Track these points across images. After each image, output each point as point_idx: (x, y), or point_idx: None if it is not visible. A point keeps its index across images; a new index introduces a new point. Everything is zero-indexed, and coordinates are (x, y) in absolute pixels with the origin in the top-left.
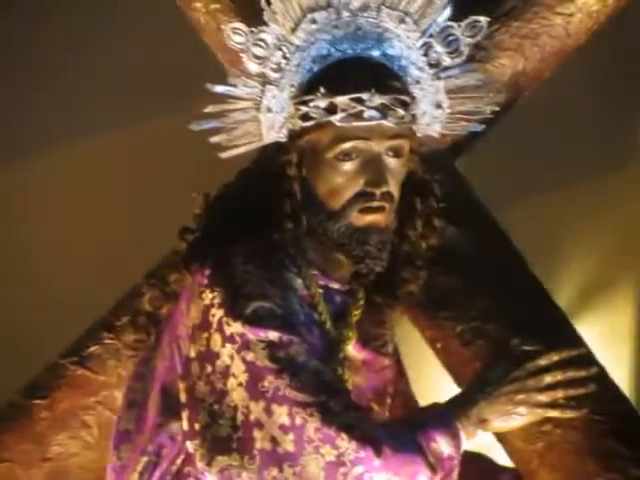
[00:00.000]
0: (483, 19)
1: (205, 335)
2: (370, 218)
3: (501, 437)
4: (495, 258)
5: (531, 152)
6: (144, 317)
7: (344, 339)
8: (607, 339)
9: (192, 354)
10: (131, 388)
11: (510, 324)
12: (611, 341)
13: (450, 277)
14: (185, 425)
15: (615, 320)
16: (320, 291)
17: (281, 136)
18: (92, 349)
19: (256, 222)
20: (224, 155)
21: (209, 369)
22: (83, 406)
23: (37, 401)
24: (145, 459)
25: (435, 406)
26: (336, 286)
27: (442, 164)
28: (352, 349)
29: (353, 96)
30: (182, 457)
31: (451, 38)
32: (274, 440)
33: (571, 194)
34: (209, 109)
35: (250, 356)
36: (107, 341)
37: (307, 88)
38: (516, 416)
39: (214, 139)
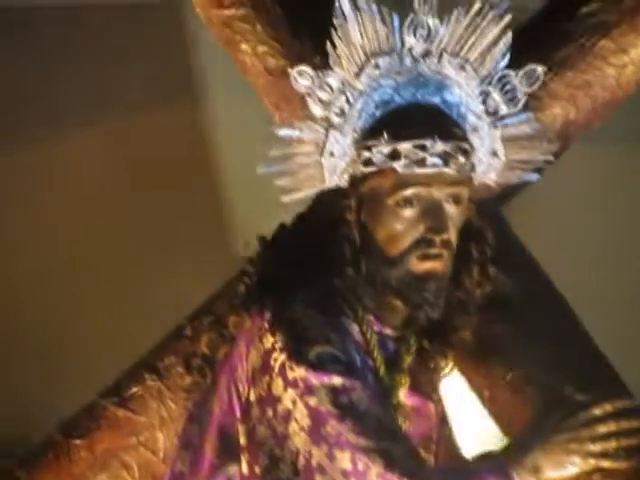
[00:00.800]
0: (540, 68)
1: (266, 379)
2: (429, 265)
3: None
4: (543, 305)
5: None
6: (199, 359)
7: (396, 385)
8: None
9: (252, 398)
10: (186, 430)
11: (560, 372)
12: None
13: (499, 324)
14: (245, 468)
15: None
16: (375, 337)
17: (342, 181)
18: (133, 390)
19: (315, 266)
20: (286, 199)
21: (270, 413)
22: (124, 446)
23: (76, 441)
24: None
25: (490, 454)
26: (389, 332)
27: (490, 212)
28: (403, 395)
29: (416, 143)
30: None
31: (509, 86)
32: None
33: None
34: (274, 152)
35: (313, 401)
36: (149, 382)
37: (370, 133)
38: (569, 465)
39: (280, 182)
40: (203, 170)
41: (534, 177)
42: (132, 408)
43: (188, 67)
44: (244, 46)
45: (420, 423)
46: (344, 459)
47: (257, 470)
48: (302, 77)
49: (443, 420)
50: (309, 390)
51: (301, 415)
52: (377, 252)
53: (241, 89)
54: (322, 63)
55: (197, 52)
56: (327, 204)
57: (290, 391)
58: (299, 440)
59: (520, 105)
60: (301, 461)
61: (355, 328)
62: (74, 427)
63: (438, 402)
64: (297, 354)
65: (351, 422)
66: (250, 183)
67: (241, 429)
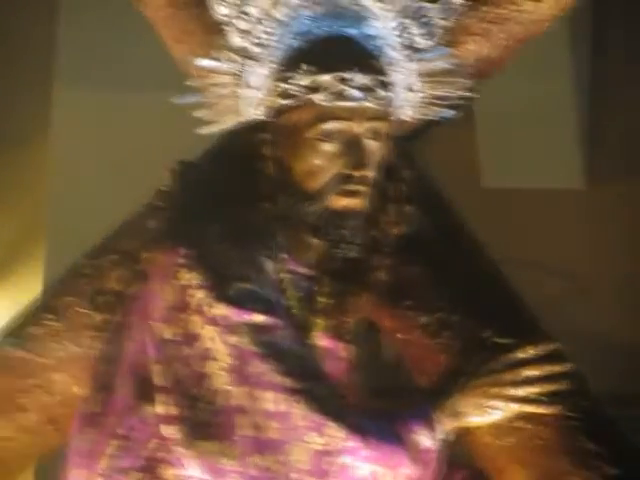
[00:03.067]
0: (456, 1)
1: (182, 317)
2: (347, 201)
3: (469, 431)
4: (461, 248)
5: None
6: (107, 296)
7: (310, 326)
8: None
9: (167, 336)
10: (98, 370)
11: (478, 316)
12: None
13: (416, 266)
14: (160, 409)
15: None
16: (289, 276)
17: (259, 113)
18: (30, 330)
19: (229, 201)
20: (203, 131)
21: (187, 352)
22: (20, 389)
23: None
24: (115, 443)
25: (411, 397)
26: (304, 271)
27: (405, 149)
28: (316, 336)
29: (336, 75)
30: (155, 441)
31: (425, 19)
32: (257, 427)
33: None
34: (191, 82)
35: (234, 339)
36: (47, 322)
37: (288, 65)
38: (491, 410)
39: (197, 114)
40: None
41: (449, 113)
42: (29, 349)
43: None
44: None
45: (333, 365)
46: (266, 400)
47: (173, 411)
48: (221, 5)
49: (356, 363)
50: (230, 328)
51: (221, 354)
52: (294, 188)
53: None
54: None
55: None
56: (243, 137)
57: (209, 329)
58: (218, 380)
59: (436, 39)
60: (220, 401)
61: (270, 265)
62: None
63: (351, 344)
64: (216, 291)
65: (274, 361)
66: None
67: (156, 369)
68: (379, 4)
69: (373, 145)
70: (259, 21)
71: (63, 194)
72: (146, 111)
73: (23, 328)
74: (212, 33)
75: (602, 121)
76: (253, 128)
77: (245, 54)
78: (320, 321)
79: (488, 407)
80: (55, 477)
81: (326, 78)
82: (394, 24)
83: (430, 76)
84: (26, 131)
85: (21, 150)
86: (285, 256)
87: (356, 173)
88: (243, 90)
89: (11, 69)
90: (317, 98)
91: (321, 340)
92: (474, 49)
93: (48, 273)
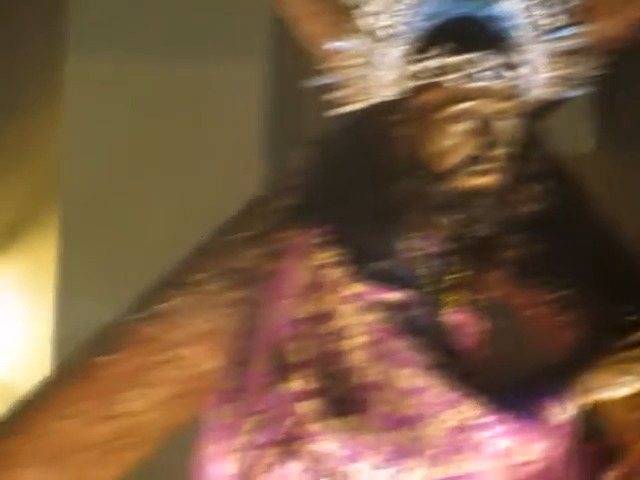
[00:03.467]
0: None
1: (317, 295)
2: (478, 181)
3: (598, 407)
4: (587, 225)
5: None
6: (240, 274)
7: (443, 303)
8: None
9: (302, 314)
10: (235, 347)
11: (607, 293)
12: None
13: (543, 243)
14: (296, 386)
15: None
16: (421, 254)
17: (389, 95)
18: (160, 307)
19: (360, 182)
20: (334, 112)
21: (323, 330)
22: (149, 364)
23: (102, 358)
24: (253, 419)
25: (543, 373)
26: (434, 249)
27: (530, 130)
28: (448, 313)
29: (466, 57)
30: (291, 419)
31: (552, 1)
32: (393, 403)
33: None
34: (322, 65)
35: (370, 317)
36: (177, 299)
37: (418, 47)
38: (619, 386)
39: (327, 96)
40: None
41: (574, 93)
42: (158, 325)
43: None
44: None
45: (466, 342)
46: (402, 376)
47: (310, 388)
48: None
49: (488, 339)
50: (365, 306)
51: (356, 332)
52: (424, 168)
53: None
54: None
55: None
56: (374, 118)
57: (344, 307)
58: (354, 357)
59: (563, 20)
60: (356, 379)
61: (401, 244)
62: (101, 345)
63: (483, 321)
64: (351, 270)
65: (410, 338)
66: None
67: (291, 347)
68: None
69: (502, 125)
70: (389, 3)
71: (77, 159)
72: (160, 78)
73: (152, 304)
74: (341, 14)
75: (612, 87)
76: (383, 109)
77: (375, 36)
78: (452, 298)
79: (618, 383)
80: (187, 451)
81: (456, 60)
82: (522, 5)
83: (557, 56)
84: (39, 97)
85: (35, 116)
86: (417, 235)
87: (486, 153)
88: (373, 72)
89: (23, 36)
90: (447, 80)
91: (454, 317)
92: (599, 29)
93: (62, 236)
